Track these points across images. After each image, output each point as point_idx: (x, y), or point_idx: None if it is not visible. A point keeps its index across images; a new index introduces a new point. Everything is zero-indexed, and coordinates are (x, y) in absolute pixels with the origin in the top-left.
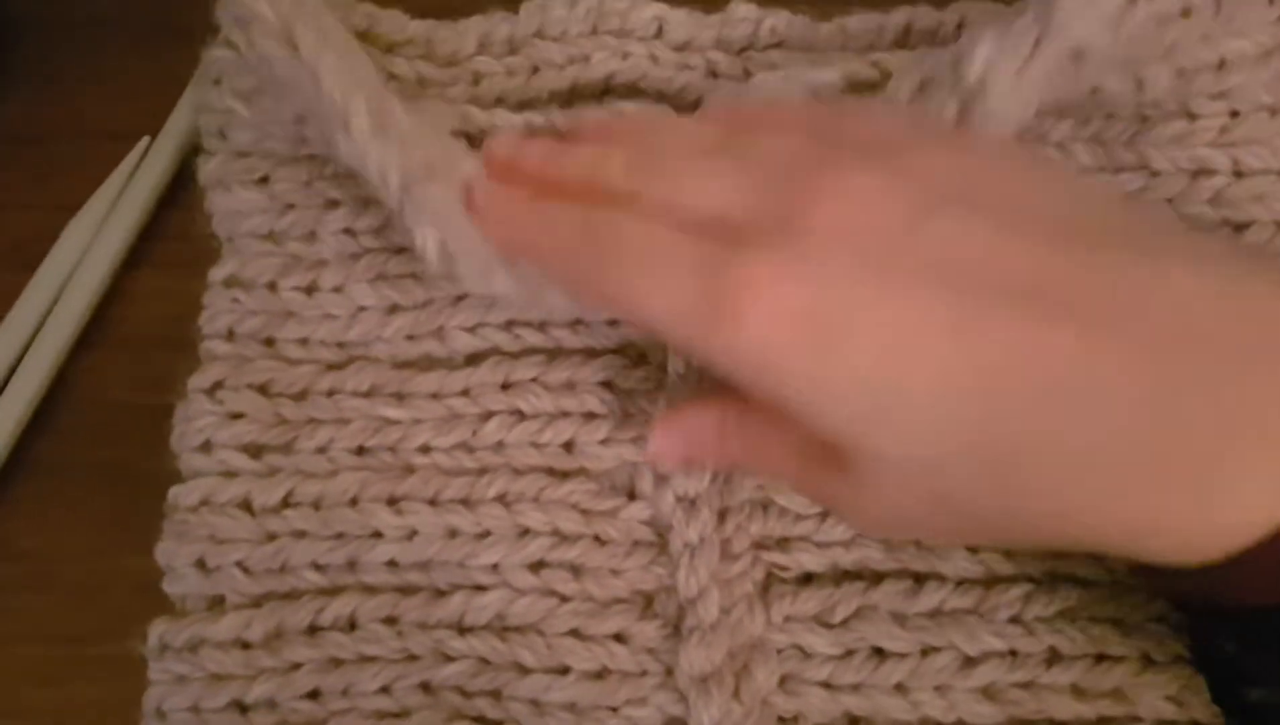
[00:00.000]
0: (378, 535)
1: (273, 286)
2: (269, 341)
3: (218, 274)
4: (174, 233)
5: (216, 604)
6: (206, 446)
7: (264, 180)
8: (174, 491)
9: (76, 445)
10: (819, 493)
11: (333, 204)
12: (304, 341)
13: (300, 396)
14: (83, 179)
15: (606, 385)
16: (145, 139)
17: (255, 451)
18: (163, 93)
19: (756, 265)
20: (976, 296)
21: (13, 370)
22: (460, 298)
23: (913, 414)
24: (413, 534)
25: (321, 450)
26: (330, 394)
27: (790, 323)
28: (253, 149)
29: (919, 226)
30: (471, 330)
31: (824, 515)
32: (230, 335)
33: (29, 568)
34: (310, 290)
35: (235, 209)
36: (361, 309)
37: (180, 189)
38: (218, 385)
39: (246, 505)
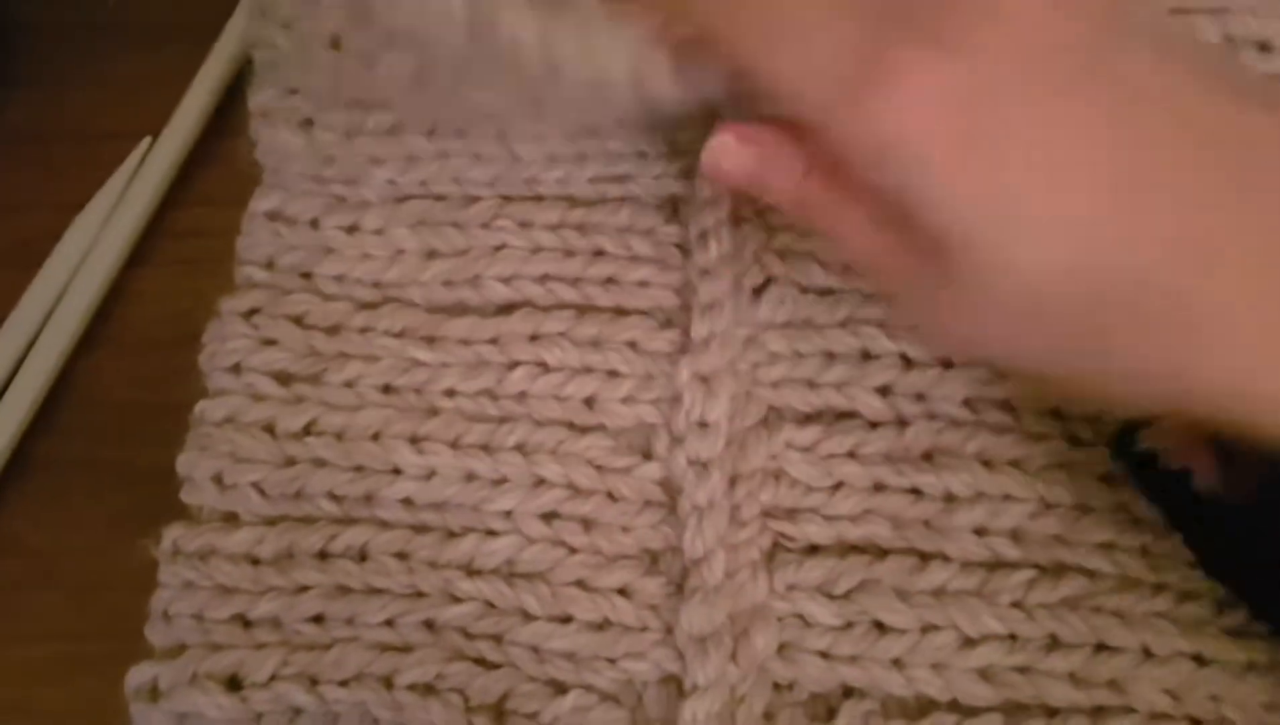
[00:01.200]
0: (397, 472)
1: (315, 223)
2: (307, 275)
3: (261, 205)
4: (176, 232)
5: (231, 518)
6: (236, 368)
7: (308, 123)
8: (201, 406)
9: (79, 444)
10: (904, 286)
11: (376, 161)
12: (341, 278)
13: (333, 331)
14: (85, 179)
15: (632, 345)
16: (147, 139)
17: (284, 379)
18: (163, 94)
19: (921, 48)
20: (1137, 129)
21: (16, 369)
22: (499, 248)
23: (1049, 230)
24: (431, 474)
25: (349, 384)
26: (363, 331)
27: (942, 111)
28: (300, 86)
29: (1092, 50)
30: (506, 281)
31: (835, 488)
32: (270, 265)
33: (31, 566)
34: (352, 230)
35: (280, 147)
36: (400, 252)
37: (182, 188)
38: (254, 311)
39: (270, 428)
